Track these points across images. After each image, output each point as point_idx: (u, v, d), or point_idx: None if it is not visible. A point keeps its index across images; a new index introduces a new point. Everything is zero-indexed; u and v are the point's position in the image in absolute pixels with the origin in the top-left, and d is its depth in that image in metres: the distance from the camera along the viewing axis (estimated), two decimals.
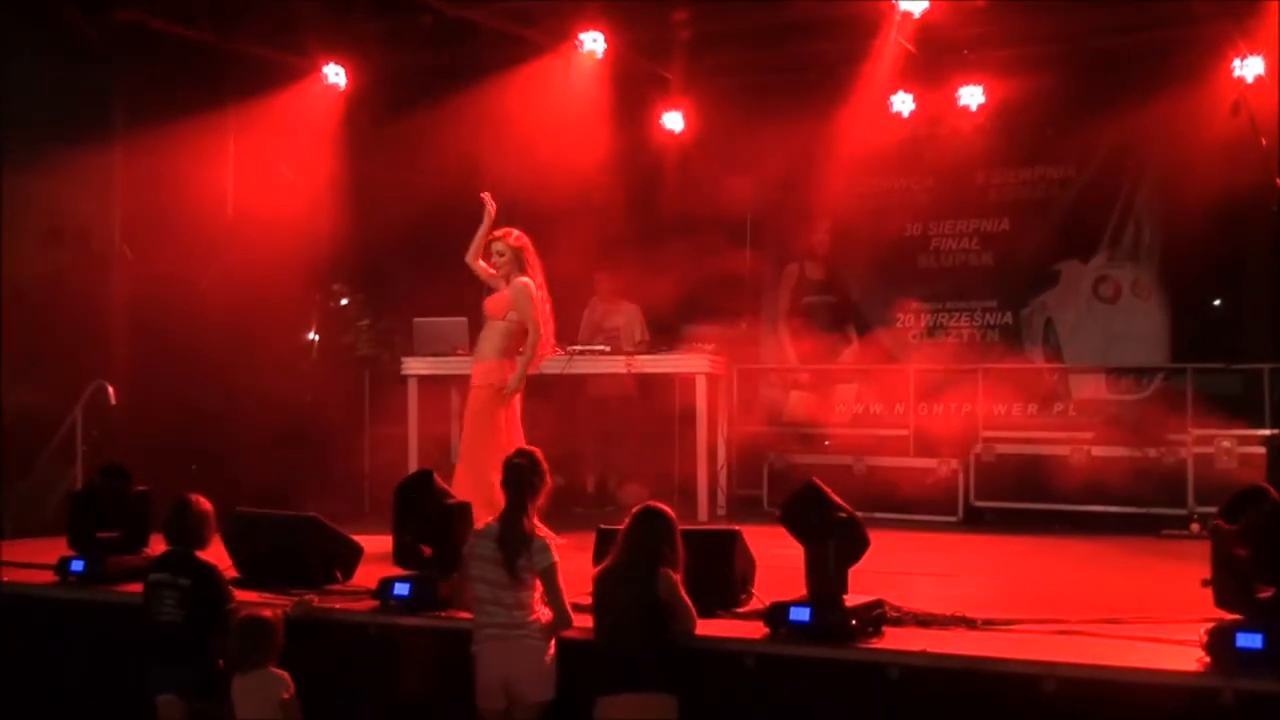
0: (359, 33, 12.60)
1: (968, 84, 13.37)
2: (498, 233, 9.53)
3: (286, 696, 6.50)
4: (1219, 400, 11.87)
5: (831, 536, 6.49)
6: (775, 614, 6.54)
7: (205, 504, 7.22)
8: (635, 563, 6.37)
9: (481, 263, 9.63)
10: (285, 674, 6.55)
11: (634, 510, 6.61)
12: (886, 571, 6.81)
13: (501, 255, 9.48)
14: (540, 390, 11.80)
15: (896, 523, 10.99)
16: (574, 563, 6.93)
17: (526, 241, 9.56)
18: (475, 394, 9.49)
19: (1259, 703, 5.58)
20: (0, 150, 10.97)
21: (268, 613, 6.76)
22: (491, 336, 9.52)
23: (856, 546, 6.53)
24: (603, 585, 6.47)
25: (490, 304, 9.60)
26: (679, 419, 12.28)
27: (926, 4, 11.45)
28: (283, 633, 6.65)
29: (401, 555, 7.61)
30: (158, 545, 7.57)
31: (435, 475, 7.87)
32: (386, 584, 7.47)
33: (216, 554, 7.58)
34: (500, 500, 6.89)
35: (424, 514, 7.59)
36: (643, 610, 6.27)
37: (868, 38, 12.00)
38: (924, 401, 13.24)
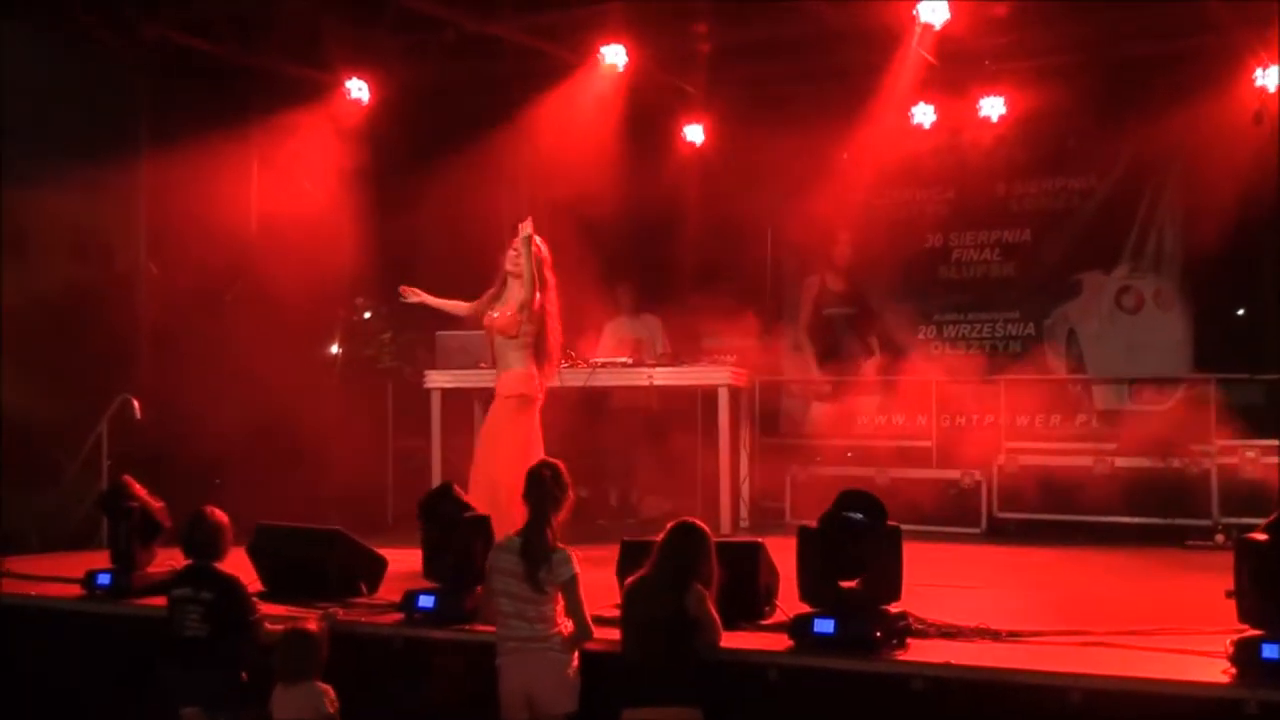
0: (382, 48, 12.66)
1: (988, 95, 13.37)
2: (523, 228, 9.32)
3: (331, 710, 6.52)
4: (1243, 410, 11.84)
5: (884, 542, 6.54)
6: (799, 626, 6.54)
7: (221, 515, 7.24)
8: (668, 577, 6.35)
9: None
10: (329, 688, 6.57)
11: (670, 525, 6.59)
12: (910, 583, 6.80)
13: (515, 250, 9.23)
14: (563, 403, 11.84)
15: (919, 534, 10.92)
16: (595, 576, 6.94)
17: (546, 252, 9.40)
18: (509, 404, 9.27)
19: None
20: (27, 165, 11.06)
21: (313, 625, 6.79)
22: (508, 353, 9.29)
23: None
24: (633, 597, 6.45)
25: (501, 323, 9.26)
26: (701, 431, 12.29)
27: (947, 15, 11.44)
28: (327, 646, 6.67)
29: (430, 569, 7.63)
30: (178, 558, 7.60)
31: (455, 487, 7.89)
32: (411, 597, 7.49)
33: (242, 567, 7.62)
34: (513, 512, 6.90)
35: (446, 527, 7.61)
36: (672, 624, 6.26)
37: (888, 49, 12.00)
38: (946, 413, 13.23)
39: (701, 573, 6.37)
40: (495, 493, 8.55)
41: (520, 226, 9.26)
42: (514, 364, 9.26)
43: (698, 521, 6.58)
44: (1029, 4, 11.76)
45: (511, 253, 9.30)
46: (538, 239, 9.24)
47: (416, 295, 9.74)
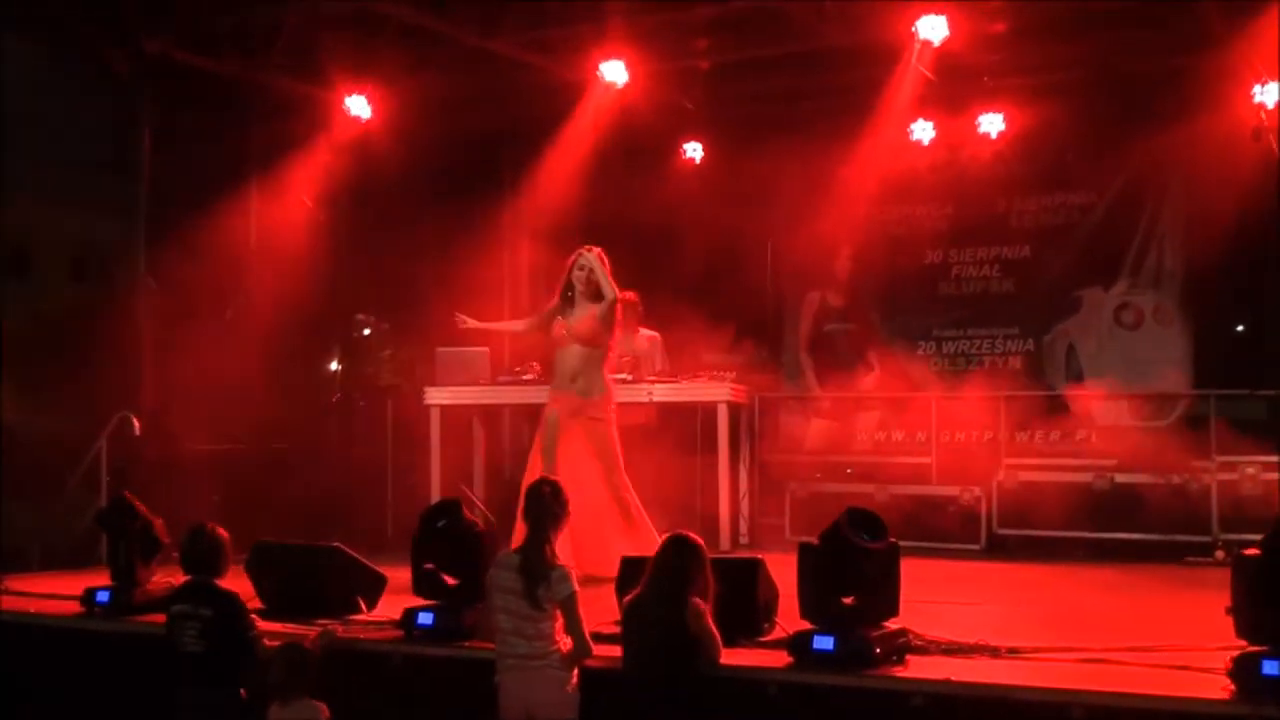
0: (382, 64, 12.67)
1: (988, 111, 13.41)
2: (582, 253, 9.59)
3: None
4: (1243, 426, 11.82)
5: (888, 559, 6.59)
6: (799, 642, 6.53)
7: (220, 532, 7.22)
8: (665, 592, 6.35)
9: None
10: (323, 705, 6.55)
11: (663, 539, 6.60)
12: (909, 600, 6.80)
13: (583, 269, 9.53)
14: None
15: (919, 550, 10.93)
16: (594, 593, 6.92)
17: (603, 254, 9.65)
18: (598, 427, 9.51)
19: None
20: (27, 181, 11.08)
21: (307, 643, 6.78)
22: (590, 367, 9.53)
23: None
24: (632, 615, 6.45)
25: (582, 332, 9.50)
26: (700, 448, 12.28)
27: (946, 32, 11.47)
28: (321, 663, 6.66)
29: (420, 585, 7.62)
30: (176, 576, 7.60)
31: (460, 503, 7.90)
32: (410, 614, 7.48)
33: (240, 584, 7.61)
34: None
35: (450, 543, 7.60)
36: (672, 640, 6.26)
37: (888, 66, 12.02)
38: (946, 429, 13.22)
39: (697, 584, 6.36)
40: (629, 512, 9.32)
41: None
42: (596, 382, 9.57)
43: (690, 534, 6.58)
44: (1027, 21, 11.77)
45: (578, 271, 9.49)
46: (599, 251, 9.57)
47: (471, 322, 10.18)
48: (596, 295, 9.51)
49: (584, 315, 9.54)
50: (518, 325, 10.48)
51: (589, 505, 9.16)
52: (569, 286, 9.63)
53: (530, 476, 9.66)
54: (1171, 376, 13.13)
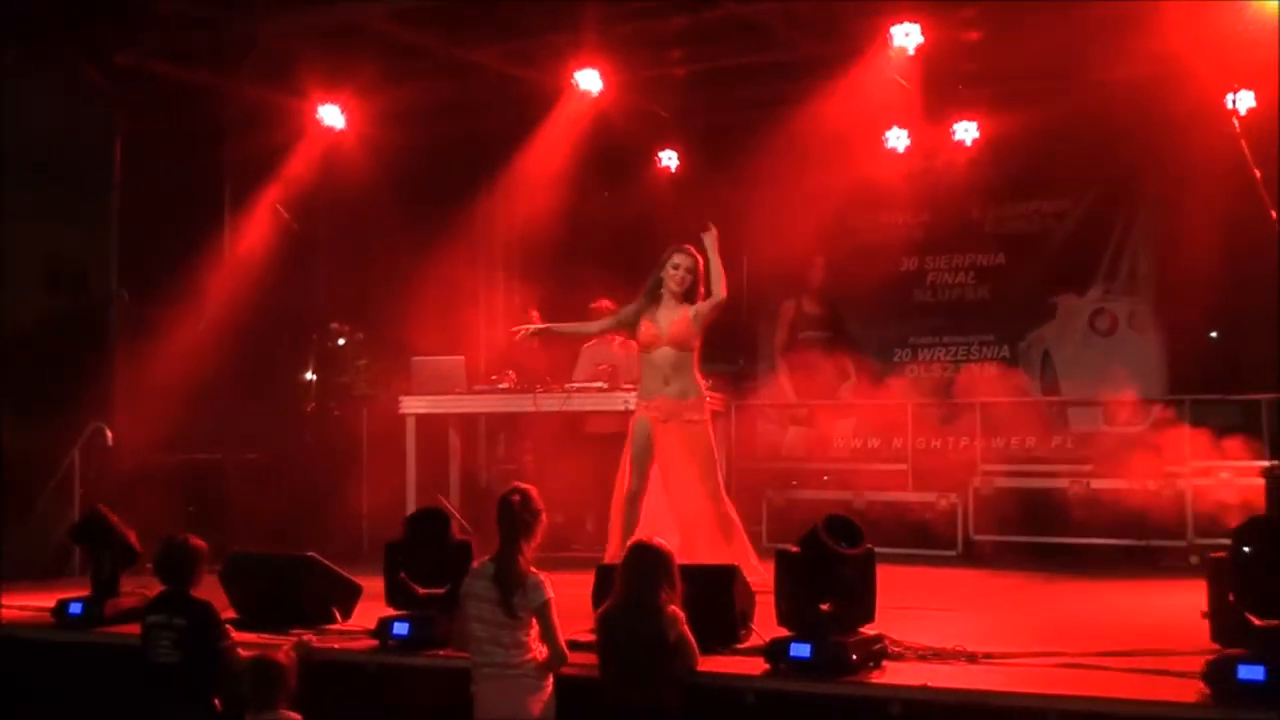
0: (359, 74, 12.64)
1: (963, 119, 13.45)
2: (682, 250, 9.35)
3: None
4: (1217, 431, 11.84)
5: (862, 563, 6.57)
6: (775, 650, 6.52)
7: (194, 541, 7.19)
8: (635, 599, 6.34)
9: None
10: (297, 716, 6.51)
11: (629, 545, 6.61)
12: (886, 606, 6.79)
13: (678, 268, 9.31)
14: (538, 428, 11.80)
15: (896, 557, 10.92)
16: (570, 601, 6.91)
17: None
18: (697, 429, 9.30)
19: None
20: (1, 191, 11.02)
21: (280, 655, 6.74)
22: (684, 368, 9.31)
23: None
24: (606, 625, 6.43)
25: (674, 331, 9.25)
26: None
27: (921, 40, 11.50)
28: (295, 675, 6.61)
29: (394, 595, 7.59)
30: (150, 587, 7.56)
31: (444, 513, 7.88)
32: (385, 624, 7.45)
33: (214, 594, 7.58)
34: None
35: (426, 552, 7.57)
36: (649, 647, 6.24)
37: (862, 74, 12.04)
38: (922, 436, 13.23)
39: (665, 586, 6.34)
40: (727, 524, 9.10)
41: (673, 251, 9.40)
42: (691, 383, 9.34)
43: (653, 539, 6.59)
44: (1002, 28, 11.80)
45: (671, 270, 9.30)
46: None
47: (528, 328, 10.06)
48: (689, 295, 9.27)
49: (677, 316, 9.25)
50: (590, 328, 10.24)
51: (687, 515, 9.11)
52: (657, 284, 9.35)
53: (619, 492, 9.56)
54: (1146, 382, 13.16)
